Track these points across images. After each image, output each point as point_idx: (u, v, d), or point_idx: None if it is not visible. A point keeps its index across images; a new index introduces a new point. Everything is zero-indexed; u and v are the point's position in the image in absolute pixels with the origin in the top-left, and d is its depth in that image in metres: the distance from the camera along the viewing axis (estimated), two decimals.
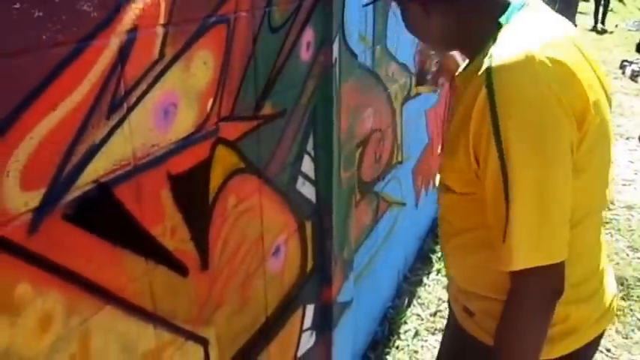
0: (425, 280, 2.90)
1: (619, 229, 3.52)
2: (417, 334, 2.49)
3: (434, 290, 2.80)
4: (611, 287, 1.06)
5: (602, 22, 11.63)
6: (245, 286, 1.31)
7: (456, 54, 1.34)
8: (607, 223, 3.58)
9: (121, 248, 0.90)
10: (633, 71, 7.56)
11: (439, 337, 2.39)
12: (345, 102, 1.62)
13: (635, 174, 4.44)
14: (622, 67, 7.88)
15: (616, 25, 11.92)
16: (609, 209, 3.76)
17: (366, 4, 1.56)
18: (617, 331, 2.58)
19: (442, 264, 2.87)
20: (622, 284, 2.90)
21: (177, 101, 0.98)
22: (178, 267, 1.05)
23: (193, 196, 1.07)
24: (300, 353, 1.69)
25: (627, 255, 3.23)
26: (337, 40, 1.52)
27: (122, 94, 0.85)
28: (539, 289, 0.88)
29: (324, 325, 1.82)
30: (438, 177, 1.07)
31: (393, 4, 1.19)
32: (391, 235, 2.55)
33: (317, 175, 1.60)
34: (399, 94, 2.40)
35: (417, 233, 3.14)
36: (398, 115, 2.42)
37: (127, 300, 0.93)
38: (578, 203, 0.89)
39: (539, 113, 0.81)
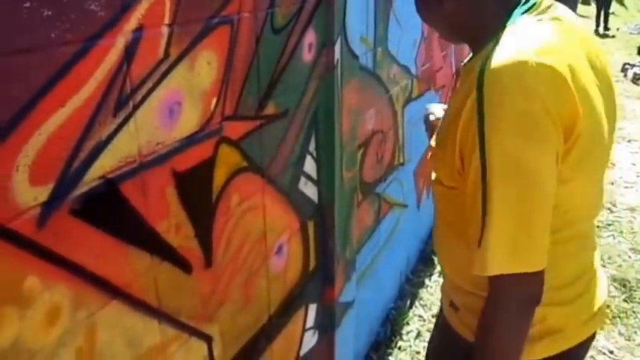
0: (427, 281, 2.90)
1: (621, 232, 3.51)
2: (419, 335, 2.50)
3: (436, 292, 2.80)
4: (601, 291, 1.05)
5: (606, 26, 11.63)
6: (248, 285, 1.32)
7: None
8: (609, 225, 3.59)
9: (127, 244, 0.92)
10: (635, 74, 7.57)
11: None
12: (347, 103, 1.64)
13: (638, 176, 4.44)
14: (624, 70, 7.88)
15: (617, 29, 11.93)
16: (611, 211, 3.77)
17: None
18: (619, 333, 2.58)
19: None
20: (624, 286, 2.90)
21: (182, 100, 0.99)
22: (182, 264, 1.06)
23: (197, 193, 1.09)
24: (302, 352, 1.70)
25: (629, 257, 3.22)
26: (339, 41, 1.53)
27: (128, 92, 0.87)
28: (515, 296, 0.87)
29: (327, 324, 1.82)
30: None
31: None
32: (393, 236, 2.56)
33: (319, 175, 1.62)
34: (401, 96, 2.41)
35: (419, 235, 3.15)
36: (399, 117, 2.43)
37: (132, 295, 0.94)
38: (564, 210, 0.89)
39: (525, 127, 0.80)
